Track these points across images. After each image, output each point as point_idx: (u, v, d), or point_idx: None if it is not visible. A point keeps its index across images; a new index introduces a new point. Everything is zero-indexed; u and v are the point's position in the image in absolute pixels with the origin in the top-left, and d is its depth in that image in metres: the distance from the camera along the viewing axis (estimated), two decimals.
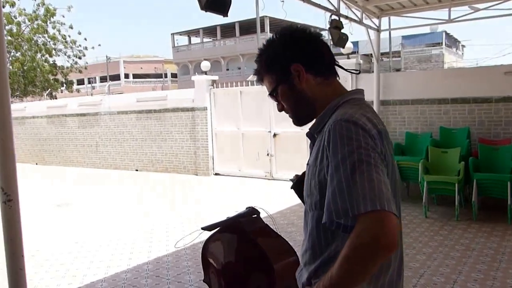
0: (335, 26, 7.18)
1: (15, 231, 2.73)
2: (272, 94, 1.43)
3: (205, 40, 42.33)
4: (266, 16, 29.81)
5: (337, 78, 1.44)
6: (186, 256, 5.34)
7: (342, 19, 7.48)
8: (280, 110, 1.47)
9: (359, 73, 1.77)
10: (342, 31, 7.33)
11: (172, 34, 43.20)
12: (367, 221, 1.07)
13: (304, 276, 1.34)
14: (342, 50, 9.05)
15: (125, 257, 5.45)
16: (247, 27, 35.79)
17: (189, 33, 43.29)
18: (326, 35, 10.21)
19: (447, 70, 17.59)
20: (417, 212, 6.95)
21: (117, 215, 7.68)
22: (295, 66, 1.35)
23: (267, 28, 33.98)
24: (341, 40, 7.32)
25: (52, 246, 6.01)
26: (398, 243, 1.09)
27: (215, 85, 11.40)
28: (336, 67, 1.44)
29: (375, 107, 8.48)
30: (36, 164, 16.08)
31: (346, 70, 1.51)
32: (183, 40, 44.88)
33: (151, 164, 12.67)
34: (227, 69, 39.76)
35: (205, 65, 11.65)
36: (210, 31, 40.78)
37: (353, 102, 1.34)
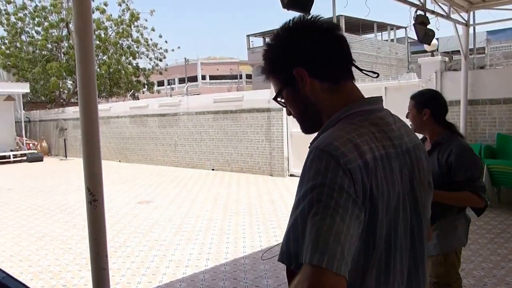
0: (421, 21, 6.78)
1: (99, 231, 2.76)
2: (277, 98, 1.26)
3: None
4: (341, 15, 29.24)
5: (352, 81, 1.22)
6: (263, 259, 5.25)
7: (428, 14, 7.05)
8: (288, 115, 1.30)
9: (377, 76, 1.47)
10: (428, 26, 6.91)
11: (248, 36, 43.66)
12: (303, 273, 0.91)
13: None
14: (426, 47, 8.56)
15: (203, 257, 5.46)
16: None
17: (264, 35, 43.45)
18: (404, 32, 9.69)
19: None
20: (511, 220, 6.37)
21: (194, 214, 7.78)
22: (298, 71, 1.16)
23: (343, 27, 33.33)
24: (427, 36, 6.90)
25: (134, 243, 6.18)
26: None
27: None
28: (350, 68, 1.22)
29: (461, 107, 7.92)
30: (119, 161, 16.87)
31: (362, 71, 1.26)
32: (258, 42, 45.24)
33: (227, 164, 12.80)
34: None
35: None
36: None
37: (354, 118, 1.12)
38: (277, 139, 11.34)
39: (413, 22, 6.89)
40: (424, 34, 6.86)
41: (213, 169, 13.20)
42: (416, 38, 7.15)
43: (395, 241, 1.09)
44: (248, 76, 47.26)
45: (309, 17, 1.20)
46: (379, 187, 1.03)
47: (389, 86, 9.68)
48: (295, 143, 11.09)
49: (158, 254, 5.67)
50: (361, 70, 1.25)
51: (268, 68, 1.24)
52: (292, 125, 11.11)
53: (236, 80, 48.49)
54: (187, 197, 9.36)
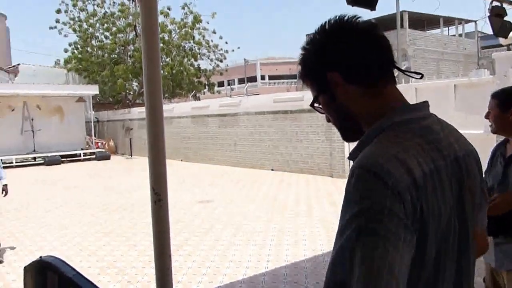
0: (497, 13, 6.34)
1: (163, 230, 2.79)
2: (313, 104, 1.16)
3: None
4: (405, 11, 28.25)
5: (394, 85, 1.10)
6: (324, 264, 5.13)
7: (505, 5, 6.59)
8: (327, 121, 1.19)
9: (421, 77, 1.31)
10: (505, 18, 6.46)
11: (307, 35, 43.32)
12: None
13: None
14: (501, 41, 8.02)
15: (263, 259, 5.42)
16: (385, 23, 34.35)
17: None
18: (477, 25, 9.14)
19: None
20: None
21: (254, 214, 7.77)
22: (332, 76, 1.07)
23: (406, 24, 32.27)
24: (504, 29, 6.44)
25: (194, 242, 6.26)
26: None
27: None
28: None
29: None
30: (181, 160, 17.27)
31: (405, 73, 1.13)
32: None
33: (286, 165, 12.72)
34: None
35: None
36: None
37: (397, 129, 1.01)
38: (338, 139, 11.11)
39: (487, 14, 6.48)
40: (501, 26, 6.41)
41: (272, 170, 13.18)
42: (488, 32, 6.72)
43: (444, 261, 1.00)
44: None
45: (346, 17, 1.11)
46: (430, 205, 0.94)
47: (459, 83, 9.16)
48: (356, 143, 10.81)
49: (218, 254, 5.70)
50: (403, 71, 1.13)
51: (303, 73, 1.16)
52: None
53: (295, 80, 48.18)
54: (246, 197, 9.38)
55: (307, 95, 12.38)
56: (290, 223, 7.05)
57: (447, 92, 9.06)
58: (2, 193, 5.71)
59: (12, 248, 6.33)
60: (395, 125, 1.02)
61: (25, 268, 1.83)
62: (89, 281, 1.67)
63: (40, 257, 1.78)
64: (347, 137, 1.17)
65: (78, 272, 1.68)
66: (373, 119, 1.06)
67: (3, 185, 5.72)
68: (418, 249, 0.92)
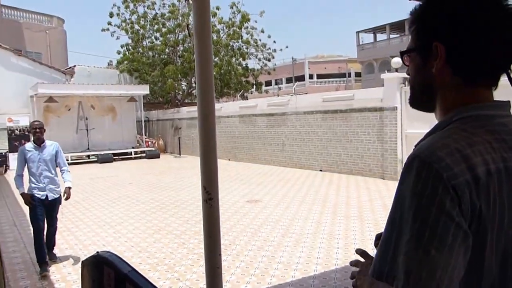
0: None
1: (214, 229, 2.76)
2: (403, 54, 1.06)
3: (391, 36, 40.66)
4: None
5: (492, 89, 0.98)
6: None
7: None
8: (407, 74, 1.10)
9: None
10: None
11: (357, 32, 42.63)
12: None
13: None
14: None
15: (312, 262, 5.31)
16: None
17: (375, 30, 42.15)
18: None
19: None
20: None
21: (302, 216, 7.66)
22: (437, 46, 0.95)
23: None
24: None
25: (243, 242, 6.23)
26: None
27: (406, 83, 10.65)
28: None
29: None
30: (229, 160, 17.37)
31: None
32: (368, 38, 43.95)
33: (335, 165, 12.50)
34: None
35: (396, 61, 10.97)
36: (397, 26, 39.03)
37: (467, 123, 0.92)
38: (390, 140, 10.80)
39: None
40: None
41: (321, 170, 12.99)
42: None
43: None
44: (357, 74, 46.13)
45: None
46: (491, 207, 0.85)
47: None
48: (410, 144, 10.44)
49: (266, 255, 5.63)
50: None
51: (411, 22, 1.03)
52: (407, 125, 10.50)
53: (344, 79, 47.60)
54: (295, 198, 9.28)
55: (358, 94, 12.18)
56: (340, 226, 6.89)
57: None
58: (64, 195, 5.61)
59: (68, 242, 6.53)
60: (467, 119, 0.94)
61: (83, 263, 1.86)
62: (144, 278, 1.66)
63: (97, 252, 1.80)
64: (413, 103, 1.09)
65: (133, 269, 1.69)
66: (451, 107, 0.98)
67: (67, 187, 5.59)
68: (474, 254, 0.85)
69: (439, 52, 0.95)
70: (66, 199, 5.65)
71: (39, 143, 5.45)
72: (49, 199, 5.40)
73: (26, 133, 17.55)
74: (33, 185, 5.34)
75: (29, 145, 5.50)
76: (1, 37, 21.30)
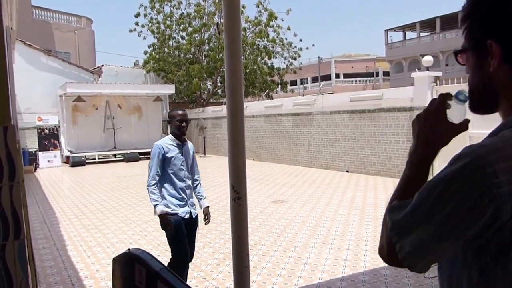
0: None
1: (242, 229, 2.74)
2: (457, 53, 1.01)
3: (421, 34, 39.93)
4: None
5: None
6: (406, 272, 4.81)
7: None
8: (467, 73, 1.03)
9: None
10: None
11: (386, 31, 42.04)
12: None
13: None
14: None
15: (339, 263, 5.21)
16: None
17: (404, 28, 41.48)
18: None
19: None
20: None
21: (329, 217, 7.55)
22: (491, 45, 0.90)
23: None
24: None
25: (269, 242, 6.17)
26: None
27: (438, 82, 10.39)
28: None
29: None
30: (253, 160, 17.33)
31: None
32: (397, 36, 43.32)
33: (362, 166, 12.31)
34: (446, 65, 36.72)
35: (427, 60, 10.73)
36: (428, 24, 38.35)
37: None
38: None
39: None
40: None
41: (347, 171, 12.82)
42: None
43: None
44: (385, 74, 45.50)
45: None
46: None
47: None
48: None
49: (293, 255, 5.56)
50: None
51: (462, 19, 0.98)
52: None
53: (372, 78, 47.01)
54: (321, 199, 9.16)
55: (387, 94, 11.96)
56: (368, 228, 6.75)
57: None
58: (205, 218, 4.27)
59: (96, 239, 6.60)
60: None
61: (114, 259, 1.85)
62: (175, 275, 1.64)
63: (128, 249, 1.78)
64: (473, 108, 1.02)
65: (165, 266, 1.67)
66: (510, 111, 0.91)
67: (206, 207, 4.29)
68: (501, 264, 0.83)
69: (494, 50, 0.89)
70: (207, 222, 4.35)
71: (182, 140, 4.09)
72: (193, 216, 4.10)
73: (56, 132, 17.93)
74: (172, 199, 3.96)
75: (166, 141, 4.05)
76: (32, 37, 21.77)
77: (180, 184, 3.98)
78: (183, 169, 4.01)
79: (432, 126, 1.03)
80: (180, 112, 4.06)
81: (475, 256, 0.87)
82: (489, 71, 0.92)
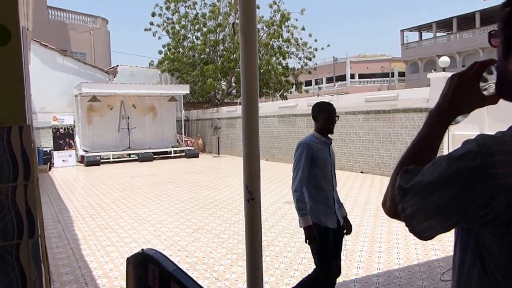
0: None
1: (255, 229, 2.73)
2: (491, 36, 0.99)
3: (438, 34, 39.53)
4: None
5: None
6: (420, 274, 4.77)
7: None
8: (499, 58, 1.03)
9: None
10: None
11: (402, 31, 41.72)
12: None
13: None
14: None
15: (353, 265, 5.17)
16: (490, 16, 31.93)
17: (420, 28, 41.13)
18: None
19: None
20: None
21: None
22: None
23: None
24: None
25: (282, 243, 6.15)
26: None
27: None
28: None
29: None
30: (267, 160, 17.30)
31: None
32: (413, 36, 42.94)
33: (377, 167, 12.21)
34: (463, 66, 36.27)
35: (444, 60, 10.62)
36: (444, 24, 37.96)
37: None
38: None
39: None
40: None
41: (362, 172, 12.72)
42: None
43: None
44: (401, 74, 45.15)
45: None
46: None
47: None
48: (458, 146, 10.08)
49: (306, 256, 5.52)
50: None
51: (504, 3, 0.97)
52: (454, 127, 10.11)
53: (387, 79, 46.67)
54: None
55: (403, 94, 11.86)
56: (382, 230, 6.69)
57: None
58: (346, 228, 3.74)
59: (109, 239, 6.64)
60: None
61: (128, 259, 1.85)
62: (189, 276, 1.64)
63: (142, 249, 1.78)
64: (499, 92, 1.01)
65: (178, 267, 1.66)
66: None
67: (343, 216, 3.71)
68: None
69: None
70: (349, 233, 3.81)
71: (328, 137, 3.54)
72: (341, 225, 3.62)
73: (71, 131, 18.11)
74: (321, 207, 3.47)
75: (312, 139, 3.51)
76: (47, 37, 22.05)
77: (328, 188, 3.50)
78: (331, 171, 3.52)
79: (463, 89, 1.03)
80: (330, 105, 3.55)
81: (481, 256, 0.90)
82: (510, 67, 0.93)
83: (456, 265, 1.00)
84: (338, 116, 3.55)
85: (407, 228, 0.97)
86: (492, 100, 1.01)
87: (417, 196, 0.92)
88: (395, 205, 0.97)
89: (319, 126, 3.50)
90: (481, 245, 0.90)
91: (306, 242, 3.41)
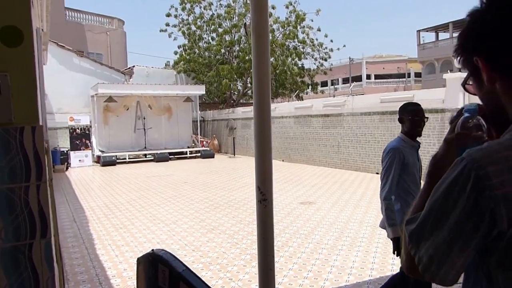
0: None
1: (268, 231, 2.72)
2: (464, 84, 1.05)
3: (454, 35, 39.05)
4: None
5: None
6: None
7: None
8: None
9: None
10: None
11: (418, 31, 41.32)
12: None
13: None
14: None
15: (367, 266, 5.12)
16: None
17: (437, 29, 40.68)
18: None
19: None
20: None
21: (357, 219, 7.44)
22: (477, 60, 0.94)
23: None
24: None
25: (296, 244, 6.12)
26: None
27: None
28: None
29: None
30: (283, 161, 17.28)
31: None
32: (429, 37, 42.49)
33: None
34: None
35: None
36: (461, 25, 36.62)
37: None
38: None
39: None
40: None
41: (377, 173, 12.61)
42: None
43: None
44: (417, 75, 44.70)
45: None
46: None
47: None
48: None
49: (320, 257, 5.50)
50: None
51: (456, 47, 1.02)
52: None
53: (403, 79, 46.25)
54: (349, 201, 9.04)
55: (419, 95, 11.73)
56: None
57: None
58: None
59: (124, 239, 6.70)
60: None
61: (138, 260, 1.86)
62: (198, 277, 1.64)
63: (152, 250, 1.79)
64: (494, 126, 1.04)
65: (187, 268, 1.67)
66: None
67: (394, 237, 3.33)
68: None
69: (481, 64, 0.93)
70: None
71: (416, 141, 3.38)
72: None
73: (87, 132, 18.32)
74: None
75: (401, 143, 3.33)
76: (64, 38, 22.34)
77: (418, 194, 3.30)
78: (419, 177, 3.34)
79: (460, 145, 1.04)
80: (417, 105, 3.34)
81: (485, 268, 0.89)
82: (487, 88, 0.95)
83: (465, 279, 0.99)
84: (428, 117, 3.34)
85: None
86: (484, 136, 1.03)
87: (428, 238, 0.90)
88: (412, 259, 0.93)
89: (406, 129, 3.32)
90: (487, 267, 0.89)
91: (393, 253, 3.34)
